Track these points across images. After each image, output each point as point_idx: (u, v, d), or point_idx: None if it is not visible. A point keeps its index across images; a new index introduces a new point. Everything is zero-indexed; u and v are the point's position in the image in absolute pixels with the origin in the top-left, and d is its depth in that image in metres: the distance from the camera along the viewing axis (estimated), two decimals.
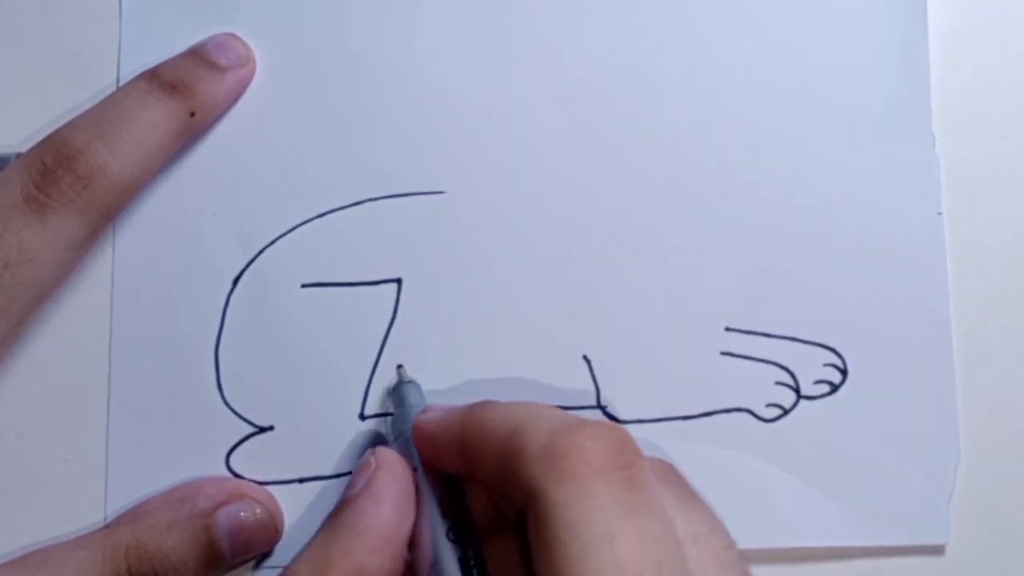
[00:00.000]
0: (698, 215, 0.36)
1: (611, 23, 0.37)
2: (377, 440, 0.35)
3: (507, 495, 0.27)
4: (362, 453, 0.35)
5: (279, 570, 0.35)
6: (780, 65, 0.37)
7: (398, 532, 0.29)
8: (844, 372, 0.36)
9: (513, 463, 0.26)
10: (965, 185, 0.36)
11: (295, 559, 0.29)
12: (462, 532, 0.29)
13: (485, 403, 0.29)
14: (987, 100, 0.37)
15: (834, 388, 0.36)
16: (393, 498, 0.29)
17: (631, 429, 0.35)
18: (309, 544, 0.29)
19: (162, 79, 0.35)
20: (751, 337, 0.36)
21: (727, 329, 0.36)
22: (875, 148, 0.36)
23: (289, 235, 0.36)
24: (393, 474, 0.30)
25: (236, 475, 0.35)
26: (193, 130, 0.36)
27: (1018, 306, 0.36)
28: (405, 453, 0.32)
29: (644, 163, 0.36)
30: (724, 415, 0.36)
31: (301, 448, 0.35)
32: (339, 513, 0.30)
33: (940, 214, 0.36)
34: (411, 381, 0.35)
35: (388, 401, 0.35)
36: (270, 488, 0.35)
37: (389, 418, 0.35)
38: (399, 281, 0.36)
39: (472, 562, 0.29)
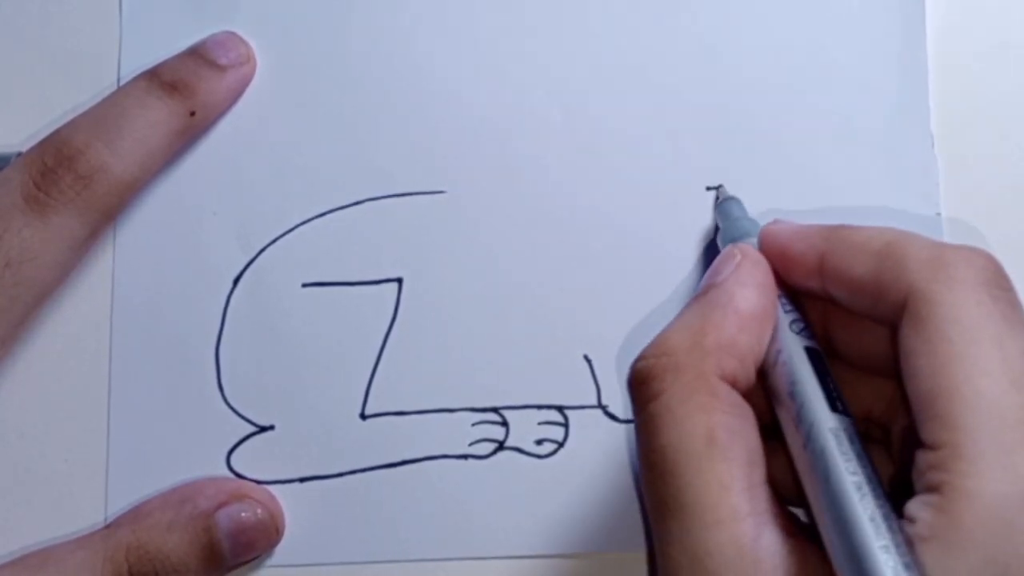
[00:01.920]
0: (698, 215, 0.36)
1: (611, 25, 0.37)
2: (378, 440, 0.35)
3: (873, 303, 0.28)
4: (363, 453, 0.35)
5: (279, 570, 0.35)
6: (779, 67, 0.37)
7: (765, 316, 0.29)
8: None
9: (894, 271, 0.27)
10: (964, 186, 0.37)
11: (666, 331, 0.29)
12: (805, 328, 0.30)
13: (844, 225, 0.30)
14: (986, 101, 0.37)
15: None
16: (759, 285, 0.30)
17: (632, 430, 0.35)
18: (679, 318, 0.29)
19: (162, 78, 0.35)
20: None
21: None
22: (874, 149, 0.36)
23: (289, 234, 0.36)
24: (758, 265, 0.30)
25: (237, 475, 0.35)
26: (193, 130, 0.36)
27: None
28: None
29: (644, 163, 0.36)
30: None
31: (302, 447, 0.35)
32: (707, 293, 0.30)
33: (939, 215, 0.36)
34: (733, 197, 0.35)
35: (716, 221, 0.35)
36: (271, 488, 0.35)
37: (716, 235, 0.35)
38: (400, 281, 0.36)
39: (819, 353, 0.29)
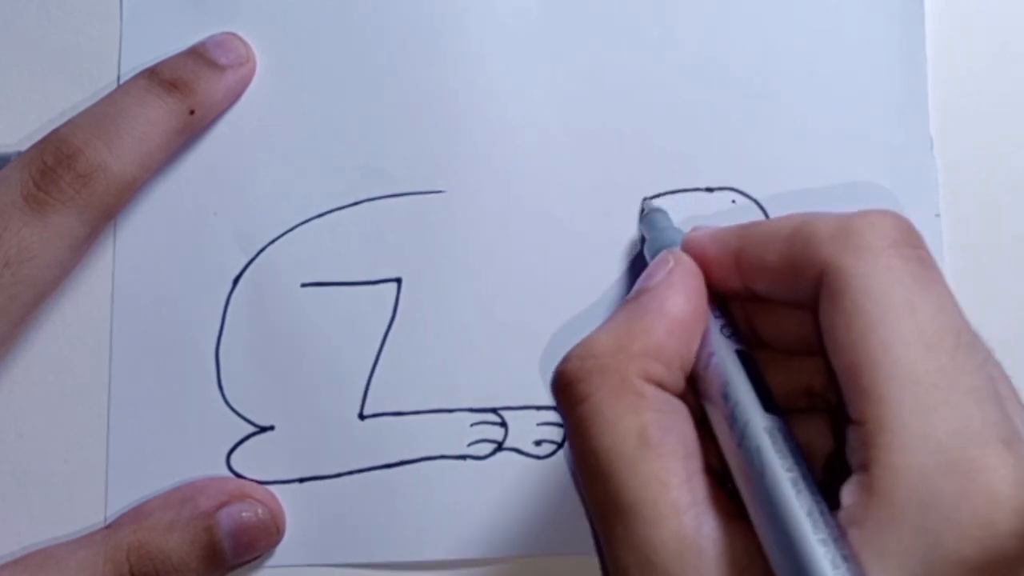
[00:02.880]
0: (697, 215, 0.36)
1: (610, 24, 0.37)
2: (377, 441, 0.35)
3: (790, 287, 0.28)
4: (362, 452, 0.35)
5: (279, 570, 0.35)
6: (778, 67, 0.37)
7: (694, 322, 0.29)
8: None
9: (804, 248, 0.27)
10: (963, 187, 0.37)
11: (593, 334, 0.29)
12: (735, 333, 0.30)
13: (755, 220, 0.30)
14: (985, 102, 0.37)
15: None
16: (691, 290, 0.30)
17: None
18: (608, 321, 0.29)
19: (161, 77, 0.35)
20: None
21: None
22: (873, 151, 0.36)
23: (289, 234, 0.36)
24: (690, 271, 0.30)
25: (237, 475, 0.35)
26: (193, 129, 0.36)
27: (1017, 308, 0.37)
28: None
29: (644, 163, 0.36)
30: None
31: (301, 448, 0.35)
32: (638, 297, 0.30)
33: (938, 216, 0.36)
34: (659, 209, 0.35)
35: (643, 228, 0.35)
36: (271, 488, 0.35)
37: (643, 246, 0.35)
38: (399, 281, 0.36)
39: (747, 356, 0.29)
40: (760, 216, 0.36)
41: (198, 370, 0.36)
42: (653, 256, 0.32)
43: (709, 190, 0.36)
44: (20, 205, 0.33)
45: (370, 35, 0.37)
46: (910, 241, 0.27)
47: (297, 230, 0.36)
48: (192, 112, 0.35)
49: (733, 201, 0.36)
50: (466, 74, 0.37)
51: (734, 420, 0.28)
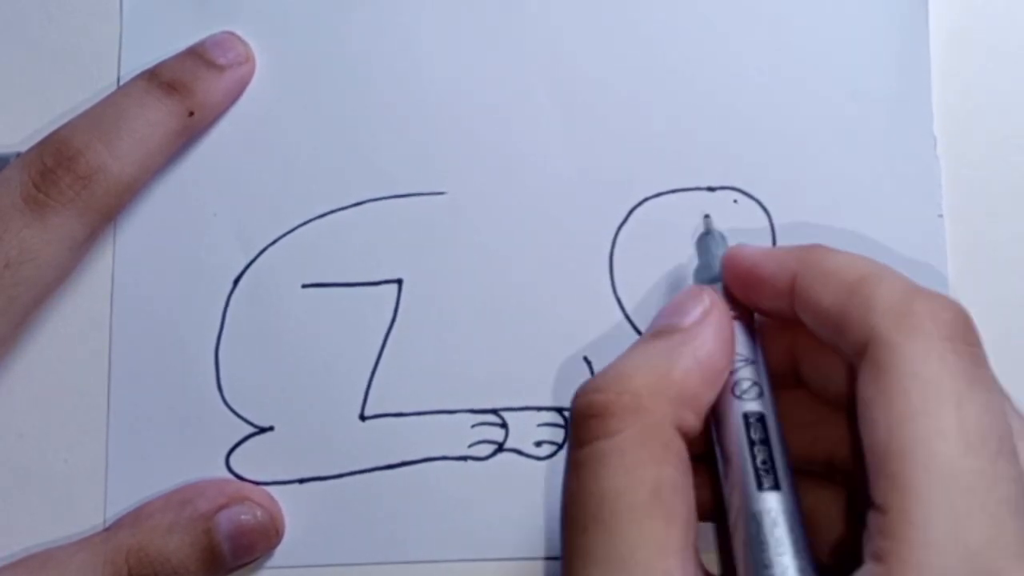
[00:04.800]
0: (697, 215, 0.36)
1: (612, 25, 0.37)
2: (378, 442, 0.35)
3: (837, 336, 0.27)
4: (363, 453, 0.35)
5: (279, 571, 0.35)
6: (780, 67, 0.37)
7: (724, 372, 0.28)
8: None
9: (860, 310, 0.26)
10: (966, 187, 0.36)
11: (625, 366, 0.27)
12: (755, 384, 0.29)
13: (820, 245, 0.29)
14: (988, 102, 0.37)
15: None
16: (725, 340, 0.29)
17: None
18: (642, 355, 0.28)
19: (160, 79, 0.35)
20: None
21: None
22: (876, 151, 0.36)
23: (290, 235, 0.36)
24: (725, 316, 0.29)
25: (236, 476, 0.35)
26: (192, 130, 0.36)
27: (1019, 308, 0.36)
28: None
29: (645, 164, 0.36)
30: None
31: (301, 449, 0.35)
32: (673, 335, 0.28)
33: (941, 216, 0.36)
34: (716, 232, 0.33)
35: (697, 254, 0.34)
36: (270, 489, 0.35)
37: (694, 266, 0.34)
38: (400, 282, 0.36)
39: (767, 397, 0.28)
40: (761, 216, 0.36)
41: (198, 371, 0.36)
42: (696, 280, 0.31)
43: (711, 189, 0.36)
44: (20, 206, 0.33)
45: (371, 35, 0.37)
46: (967, 338, 0.26)
47: (298, 231, 0.36)
48: (191, 114, 0.35)
49: (735, 201, 0.36)
50: (468, 74, 0.37)
51: (732, 489, 0.27)
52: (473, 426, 0.35)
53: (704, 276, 0.33)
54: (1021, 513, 0.24)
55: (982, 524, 0.23)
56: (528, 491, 0.35)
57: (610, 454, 0.26)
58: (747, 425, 0.28)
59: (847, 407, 0.28)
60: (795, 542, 0.26)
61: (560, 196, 0.36)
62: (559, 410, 0.35)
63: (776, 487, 0.26)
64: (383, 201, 0.36)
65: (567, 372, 0.36)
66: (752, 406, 0.28)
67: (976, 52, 0.37)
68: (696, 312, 0.29)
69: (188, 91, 0.35)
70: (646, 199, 0.36)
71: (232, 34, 0.37)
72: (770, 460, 0.27)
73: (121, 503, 0.35)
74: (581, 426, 0.27)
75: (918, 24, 0.37)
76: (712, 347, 0.28)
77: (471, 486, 0.35)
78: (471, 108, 0.37)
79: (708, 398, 0.28)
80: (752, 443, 0.27)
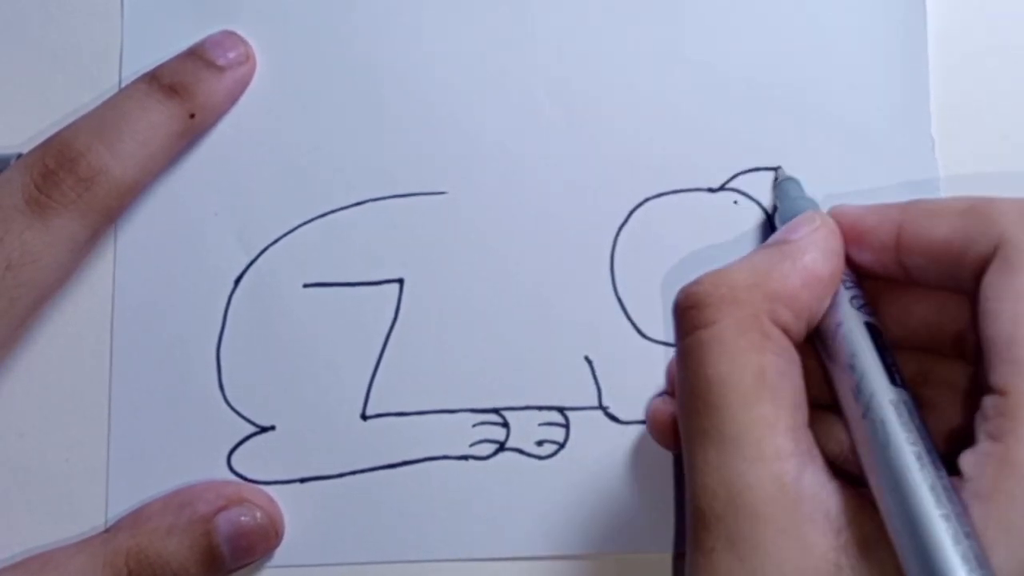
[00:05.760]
0: (699, 215, 0.36)
1: (612, 26, 0.37)
2: (379, 441, 0.35)
3: (953, 265, 0.28)
4: (364, 453, 0.35)
5: (280, 571, 0.35)
6: (779, 69, 0.37)
7: (828, 282, 0.29)
8: None
9: (984, 224, 0.28)
10: (964, 189, 0.36)
11: (730, 265, 0.29)
12: (865, 305, 0.30)
13: (919, 199, 0.30)
14: (986, 104, 0.37)
15: None
16: (831, 251, 0.30)
17: (633, 431, 0.35)
18: (745, 258, 0.30)
19: (161, 81, 0.35)
20: None
21: None
22: (874, 152, 0.36)
23: (291, 235, 0.36)
24: (833, 234, 0.30)
25: (237, 475, 0.35)
26: (193, 132, 0.36)
27: None
28: None
29: (646, 164, 0.36)
30: None
31: (303, 448, 0.35)
32: (779, 245, 0.30)
33: None
34: (792, 178, 0.35)
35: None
36: (271, 488, 0.35)
37: (775, 214, 0.35)
38: (401, 281, 0.36)
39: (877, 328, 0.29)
40: (761, 217, 0.36)
41: (199, 370, 0.36)
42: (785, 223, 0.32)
43: (711, 190, 0.36)
44: (22, 208, 0.33)
45: (372, 35, 0.37)
46: None
47: (299, 231, 0.36)
48: (193, 116, 0.35)
49: (735, 202, 0.36)
50: (468, 74, 0.37)
51: (859, 392, 0.28)
52: (474, 425, 0.35)
53: (790, 216, 0.33)
54: None
55: None
56: (529, 491, 0.35)
57: (710, 342, 0.27)
58: (871, 332, 0.29)
59: (930, 341, 0.30)
60: (919, 428, 0.27)
61: (561, 196, 0.36)
62: (560, 409, 0.35)
63: (904, 386, 0.28)
64: (384, 201, 0.36)
65: (568, 372, 0.36)
66: (871, 319, 0.29)
67: (974, 53, 0.37)
68: (805, 229, 0.30)
69: (189, 94, 0.35)
70: (647, 199, 0.36)
71: (232, 33, 0.37)
72: (896, 363, 0.28)
73: (122, 503, 0.35)
74: (682, 317, 0.28)
75: (916, 25, 0.37)
76: (815, 255, 0.29)
77: (472, 486, 0.35)
78: (472, 108, 0.37)
79: (809, 303, 0.29)
80: (879, 348, 0.29)
